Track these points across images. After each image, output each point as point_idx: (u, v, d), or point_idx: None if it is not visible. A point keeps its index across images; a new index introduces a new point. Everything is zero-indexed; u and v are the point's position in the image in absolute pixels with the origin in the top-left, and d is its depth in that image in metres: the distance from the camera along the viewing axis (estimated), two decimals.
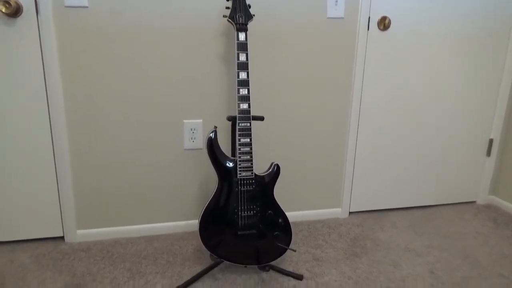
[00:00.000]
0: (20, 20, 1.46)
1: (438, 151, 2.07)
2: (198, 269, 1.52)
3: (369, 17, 1.77)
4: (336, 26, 1.75)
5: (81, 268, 1.51)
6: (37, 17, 1.47)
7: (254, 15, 1.45)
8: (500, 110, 2.07)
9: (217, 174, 1.41)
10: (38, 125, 1.57)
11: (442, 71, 1.94)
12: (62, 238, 1.73)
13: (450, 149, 2.09)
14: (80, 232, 1.73)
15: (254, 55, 1.70)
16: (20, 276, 1.45)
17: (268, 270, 1.49)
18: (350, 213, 2.05)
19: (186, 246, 1.70)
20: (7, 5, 1.41)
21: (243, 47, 1.40)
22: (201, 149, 1.76)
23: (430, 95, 1.96)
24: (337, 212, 2.01)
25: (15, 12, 1.43)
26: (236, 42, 1.40)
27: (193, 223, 1.84)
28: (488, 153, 2.14)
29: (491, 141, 2.12)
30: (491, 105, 2.07)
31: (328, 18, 1.73)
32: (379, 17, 1.78)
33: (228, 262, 1.47)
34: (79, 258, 1.59)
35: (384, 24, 1.78)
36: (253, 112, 1.75)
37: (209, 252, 1.45)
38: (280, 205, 1.46)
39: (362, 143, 1.95)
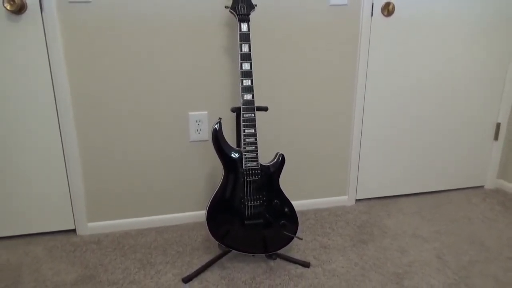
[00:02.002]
0: (24, 16, 1.48)
1: (445, 136, 2.06)
2: (207, 258, 1.55)
3: (373, 3, 1.76)
4: (339, 13, 1.74)
5: (93, 260, 1.55)
6: (41, 14, 1.48)
7: (256, 5, 1.44)
8: (507, 94, 2.05)
9: (223, 165, 1.43)
10: (47, 120, 1.60)
11: (448, 57, 1.92)
12: (73, 231, 1.77)
13: (458, 134, 2.08)
14: (91, 224, 1.76)
15: (258, 45, 1.70)
16: (35, 268, 1.50)
17: (275, 259, 1.51)
18: (357, 200, 2.06)
19: (195, 236, 1.73)
20: (11, 2, 1.42)
21: (245, 37, 1.40)
22: (207, 140, 1.77)
23: (437, 81, 1.94)
24: (344, 199, 2.02)
25: (20, 9, 1.45)
26: (238, 33, 1.40)
27: (202, 214, 1.87)
28: (496, 137, 2.13)
29: (498, 125, 2.11)
30: (498, 89, 2.05)
31: (331, 5, 1.72)
32: (383, 2, 1.76)
33: (236, 251, 1.49)
34: (91, 250, 1.62)
35: (388, 9, 1.76)
36: (257, 103, 1.76)
37: (217, 242, 1.47)
38: (286, 194, 1.48)
39: (368, 130, 1.95)
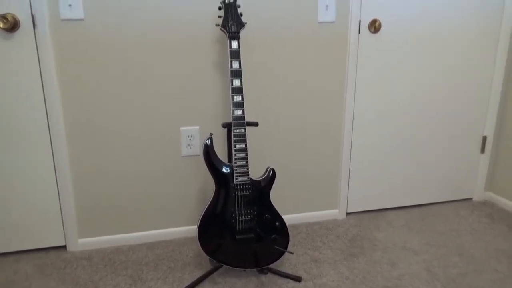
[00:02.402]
0: (17, 34, 1.50)
1: (433, 149, 2.10)
2: (198, 274, 1.55)
3: (360, 20, 1.80)
4: (328, 30, 1.78)
5: (84, 276, 1.54)
6: (34, 31, 1.50)
7: (246, 23, 1.48)
8: (492, 108, 2.10)
9: (214, 180, 1.44)
10: (38, 136, 1.60)
11: (433, 71, 1.97)
12: (64, 247, 1.76)
13: (445, 147, 2.12)
14: (82, 240, 1.76)
15: (248, 62, 1.73)
16: (25, 286, 1.48)
17: (266, 273, 1.52)
18: (348, 213, 2.08)
19: (186, 251, 1.72)
20: (4, 21, 1.44)
21: (236, 54, 1.43)
22: (198, 155, 1.79)
23: (423, 94, 1.99)
24: (335, 213, 2.04)
25: (13, 27, 1.47)
26: (229, 50, 1.43)
27: (193, 229, 1.87)
28: (482, 150, 2.17)
29: (484, 138, 2.15)
30: (483, 103, 2.10)
31: (320, 22, 1.76)
32: (369, 20, 1.81)
33: (227, 266, 1.49)
34: (81, 266, 1.61)
35: (374, 26, 1.81)
36: (248, 118, 1.78)
37: (208, 257, 1.47)
38: (277, 209, 1.49)
39: (357, 144, 1.98)
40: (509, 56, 2.03)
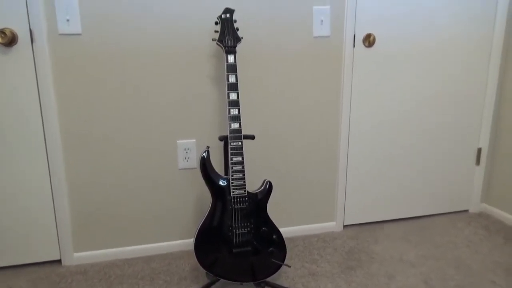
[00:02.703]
0: (15, 49, 1.51)
1: (429, 161, 2.11)
2: None
3: (354, 35, 1.83)
4: (323, 44, 1.81)
5: None
6: (32, 46, 1.51)
7: (242, 38, 1.50)
8: (486, 120, 2.12)
9: (211, 193, 1.44)
10: (34, 150, 1.60)
11: (427, 83, 1.99)
12: (59, 261, 1.74)
13: (441, 159, 2.13)
14: (77, 255, 1.74)
15: (244, 76, 1.75)
16: None
17: (264, 287, 1.51)
18: (345, 226, 2.08)
19: (183, 265, 1.71)
20: (2, 35, 1.45)
21: (232, 68, 1.45)
22: (195, 168, 1.79)
23: (418, 107, 2.01)
24: (332, 225, 2.04)
25: (11, 42, 1.48)
26: (225, 64, 1.45)
27: (190, 242, 1.86)
28: (478, 162, 2.19)
29: (479, 150, 2.17)
30: (477, 115, 2.12)
31: (315, 37, 1.79)
32: (364, 34, 1.84)
33: (224, 280, 1.48)
34: (76, 281, 1.60)
35: (369, 41, 1.84)
36: (245, 131, 1.79)
37: (205, 271, 1.46)
38: (274, 221, 1.49)
39: (353, 157, 1.99)
40: (501, 69, 2.06)
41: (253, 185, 1.57)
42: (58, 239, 1.71)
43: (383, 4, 1.83)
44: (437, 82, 2.01)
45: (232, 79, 1.44)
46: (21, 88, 1.54)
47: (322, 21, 1.77)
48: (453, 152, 2.14)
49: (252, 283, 1.51)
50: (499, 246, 1.85)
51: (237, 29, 1.48)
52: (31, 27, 1.49)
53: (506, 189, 2.11)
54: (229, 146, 1.43)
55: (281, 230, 1.50)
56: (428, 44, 1.94)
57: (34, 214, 1.66)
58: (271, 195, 1.50)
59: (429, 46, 1.94)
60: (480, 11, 1.96)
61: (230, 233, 1.45)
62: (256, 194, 1.47)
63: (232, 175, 1.43)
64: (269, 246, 1.48)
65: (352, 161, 1.99)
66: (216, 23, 1.50)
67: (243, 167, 1.44)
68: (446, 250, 1.82)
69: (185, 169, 1.78)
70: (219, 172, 1.46)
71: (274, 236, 1.48)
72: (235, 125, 1.44)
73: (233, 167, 1.43)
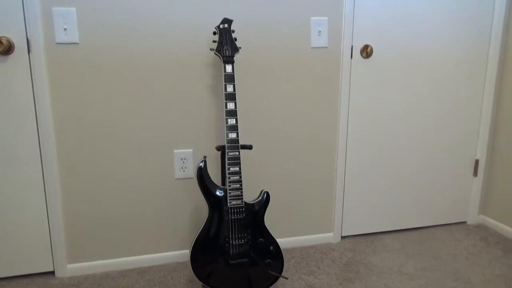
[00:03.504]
0: (11, 57, 1.50)
1: (427, 173, 2.11)
2: None
3: (352, 46, 1.84)
4: (321, 55, 1.81)
5: None
6: (29, 55, 1.51)
7: (240, 48, 1.50)
8: (483, 132, 2.12)
9: (208, 203, 1.43)
10: (29, 160, 1.58)
11: (424, 94, 2.00)
12: (52, 273, 1.71)
13: (438, 171, 2.12)
14: (71, 266, 1.71)
15: (242, 86, 1.74)
16: None
17: None
18: (342, 237, 2.06)
19: (178, 277, 1.68)
20: None
21: (230, 78, 1.45)
22: (192, 178, 1.77)
23: (414, 118, 2.01)
24: (329, 237, 2.02)
25: (7, 50, 1.47)
26: (223, 73, 1.45)
27: (186, 253, 1.83)
28: (475, 173, 2.18)
29: (477, 161, 2.17)
30: (474, 127, 2.12)
31: (312, 47, 1.79)
32: (361, 45, 1.85)
33: None
34: None
35: (366, 52, 1.85)
36: (242, 141, 1.78)
37: (201, 283, 1.44)
38: (271, 232, 1.47)
39: (351, 168, 1.98)
40: (498, 80, 2.07)
41: (250, 195, 1.56)
42: (52, 250, 1.68)
43: (380, 16, 1.84)
44: (434, 93, 2.01)
45: (230, 88, 1.44)
46: (17, 97, 1.52)
47: (320, 32, 1.78)
48: (451, 164, 2.14)
49: None
50: (498, 258, 1.83)
51: (235, 39, 1.49)
52: (28, 36, 1.49)
53: (504, 201, 2.11)
54: (227, 156, 1.42)
55: (278, 241, 1.48)
56: (425, 55, 1.95)
57: (27, 224, 1.63)
58: (268, 205, 1.49)
59: (426, 57, 1.95)
60: (476, 22, 1.98)
61: (226, 244, 1.43)
62: (253, 204, 1.46)
63: (229, 185, 1.42)
64: (266, 258, 1.46)
65: (350, 172, 1.98)
66: (214, 33, 1.50)
67: (240, 177, 1.42)
68: (445, 262, 1.80)
69: (181, 179, 1.76)
70: (216, 182, 1.45)
71: (271, 247, 1.46)
72: (233, 135, 1.43)
73: (230, 177, 1.42)
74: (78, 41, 1.54)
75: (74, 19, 1.52)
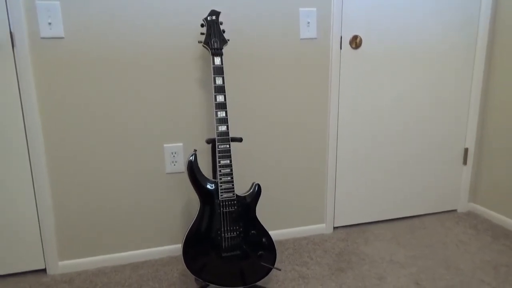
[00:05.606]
0: None
1: (417, 162, 2.12)
2: None
3: (341, 37, 1.83)
4: (310, 46, 1.81)
5: None
6: (13, 50, 1.48)
7: (228, 40, 1.49)
8: (472, 121, 2.14)
9: (199, 196, 1.42)
10: (16, 156, 1.56)
11: (414, 84, 2.01)
12: (44, 270, 1.69)
13: (428, 160, 2.14)
14: (62, 263, 1.70)
15: (231, 78, 1.73)
16: None
17: None
18: (335, 228, 2.07)
19: (171, 271, 1.68)
20: None
21: (219, 71, 1.43)
22: (183, 172, 1.76)
23: (405, 108, 2.02)
24: (322, 228, 2.03)
25: None
26: (212, 66, 1.43)
27: (178, 247, 1.83)
28: (465, 161, 2.21)
29: (466, 150, 2.19)
30: (463, 116, 2.14)
31: (302, 39, 1.79)
32: (350, 36, 1.85)
33: (213, 285, 1.46)
34: None
35: (355, 42, 1.84)
36: (232, 134, 1.77)
37: (194, 277, 1.44)
38: (263, 224, 1.47)
39: (342, 158, 1.98)
40: (486, 70, 2.08)
41: (241, 188, 1.55)
42: (43, 248, 1.66)
43: (369, 6, 1.84)
44: (423, 83, 2.02)
45: (219, 81, 1.43)
46: (2, 92, 1.50)
47: (308, 23, 1.77)
48: (441, 153, 2.16)
49: (242, 287, 1.49)
50: (487, 245, 1.86)
51: (224, 31, 1.47)
52: (12, 30, 1.46)
53: (493, 188, 2.13)
54: (217, 149, 1.41)
55: (271, 233, 1.49)
56: (414, 45, 1.95)
57: (18, 222, 1.61)
58: (260, 198, 1.49)
59: (415, 48, 1.96)
60: (464, 15, 1.99)
61: (219, 237, 1.42)
62: (244, 197, 1.45)
63: (220, 178, 1.41)
64: (258, 250, 1.46)
65: (341, 162, 1.99)
66: (202, 25, 1.48)
67: (231, 170, 1.42)
68: (435, 250, 1.82)
69: (172, 173, 1.75)
70: (207, 176, 1.44)
71: (263, 239, 1.47)
72: (223, 128, 1.42)
73: (221, 170, 1.41)
74: (63, 36, 1.52)
75: (59, 13, 1.49)
